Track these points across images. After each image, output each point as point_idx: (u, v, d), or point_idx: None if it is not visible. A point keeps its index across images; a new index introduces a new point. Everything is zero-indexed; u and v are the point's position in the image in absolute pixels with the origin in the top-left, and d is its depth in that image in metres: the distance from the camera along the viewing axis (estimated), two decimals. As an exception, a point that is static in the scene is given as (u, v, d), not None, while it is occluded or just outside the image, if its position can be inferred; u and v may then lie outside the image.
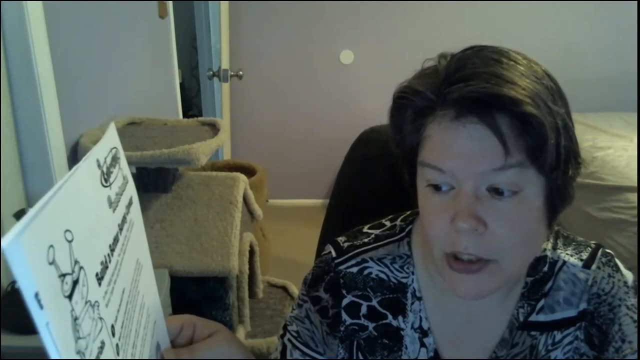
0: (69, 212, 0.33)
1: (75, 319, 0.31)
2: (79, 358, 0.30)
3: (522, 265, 0.56)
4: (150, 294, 0.49)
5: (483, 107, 0.48)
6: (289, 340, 0.66)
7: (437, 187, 0.52)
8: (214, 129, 1.62)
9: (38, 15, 1.17)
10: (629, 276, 0.62)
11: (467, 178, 0.50)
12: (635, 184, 2.02)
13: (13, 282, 1.10)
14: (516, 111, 0.47)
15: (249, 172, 2.32)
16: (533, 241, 0.54)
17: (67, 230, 0.31)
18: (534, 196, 0.51)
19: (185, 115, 2.55)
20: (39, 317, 0.27)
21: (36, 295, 0.26)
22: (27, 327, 1.00)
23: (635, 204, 1.96)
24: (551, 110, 0.49)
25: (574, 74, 2.79)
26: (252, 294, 1.79)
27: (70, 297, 0.30)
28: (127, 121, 1.66)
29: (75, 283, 0.31)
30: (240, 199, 1.56)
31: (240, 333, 1.58)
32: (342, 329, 0.64)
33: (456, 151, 0.50)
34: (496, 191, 0.50)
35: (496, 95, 0.47)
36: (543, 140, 0.48)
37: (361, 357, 0.64)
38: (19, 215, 1.02)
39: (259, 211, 1.76)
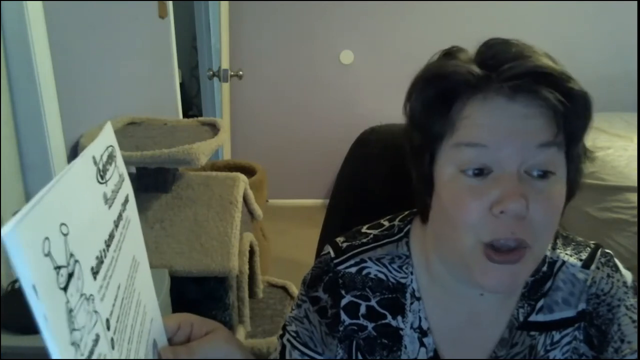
0: (65, 206, 0.33)
1: (70, 310, 0.31)
2: (73, 349, 0.31)
3: (542, 256, 0.56)
4: (147, 291, 0.49)
5: (536, 83, 0.49)
6: (288, 340, 0.66)
7: (475, 172, 0.51)
8: (214, 129, 1.62)
9: (38, 15, 1.17)
10: (628, 276, 0.61)
11: (512, 155, 0.49)
12: (635, 184, 2.01)
13: (13, 282, 1.10)
14: (568, 87, 0.49)
15: (249, 172, 2.32)
16: (554, 231, 0.53)
17: (62, 224, 0.32)
18: (562, 180, 0.52)
19: (185, 115, 2.55)
20: (36, 307, 0.27)
21: (34, 285, 0.27)
22: (27, 327, 1.00)
23: (635, 204, 1.96)
24: None
25: (574, 74, 2.77)
26: (252, 294, 1.79)
27: (65, 289, 0.31)
28: (127, 121, 1.66)
29: (70, 276, 0.32)
30: (240, 199, 1.56)
31: (240, 333, 1.58)
32: (341, 329, 0.64)
33: (504, 126, 0.49)
34: (535, 172, 0.50)
35: (553, 69, 0.49)
36: (588, 119, 0.51)
37: (360, 357, 0.64)
38: (18, 215, 1.02)
39: (259, 211, 1.76)
